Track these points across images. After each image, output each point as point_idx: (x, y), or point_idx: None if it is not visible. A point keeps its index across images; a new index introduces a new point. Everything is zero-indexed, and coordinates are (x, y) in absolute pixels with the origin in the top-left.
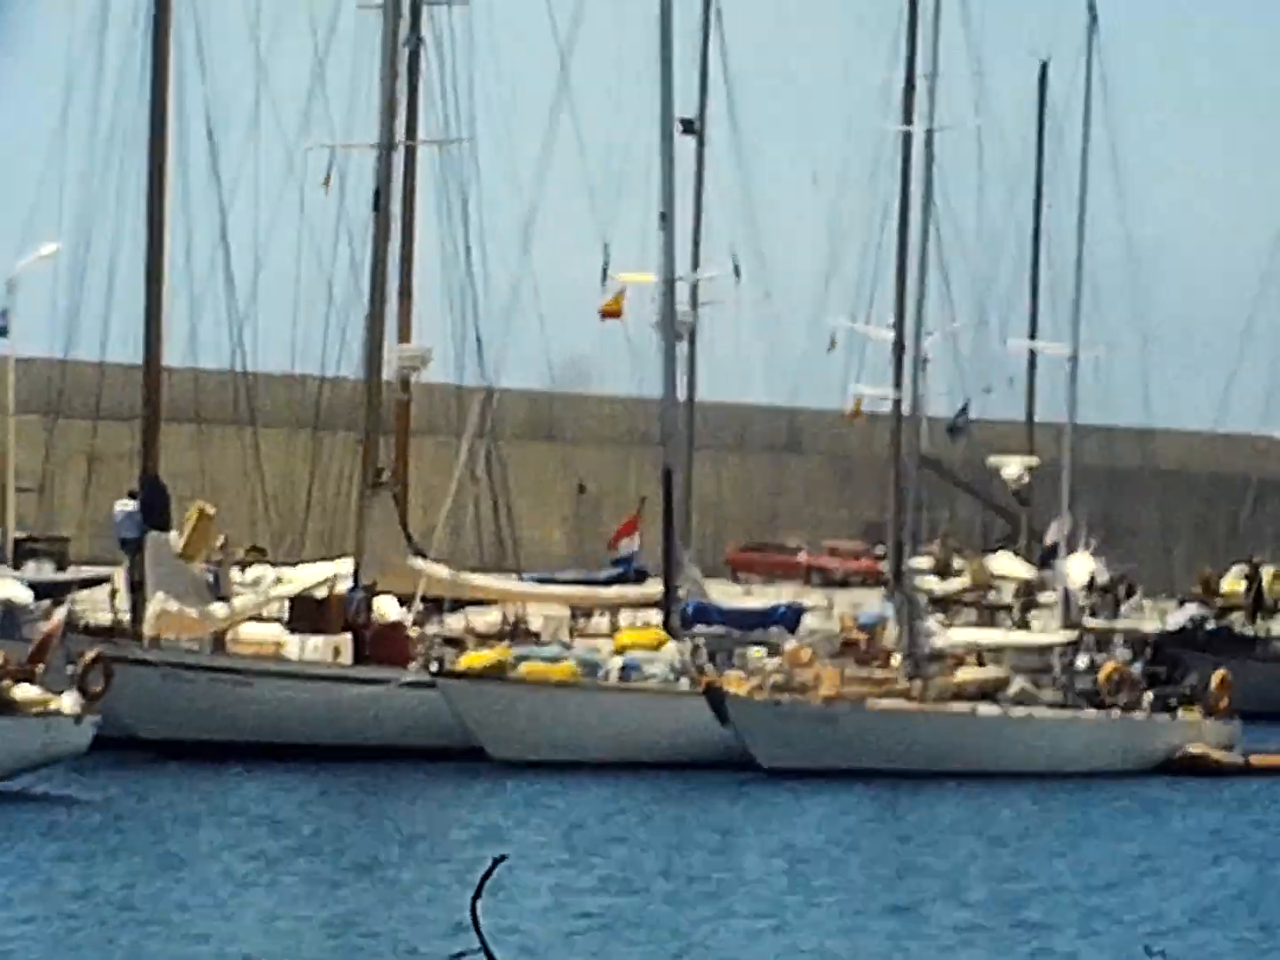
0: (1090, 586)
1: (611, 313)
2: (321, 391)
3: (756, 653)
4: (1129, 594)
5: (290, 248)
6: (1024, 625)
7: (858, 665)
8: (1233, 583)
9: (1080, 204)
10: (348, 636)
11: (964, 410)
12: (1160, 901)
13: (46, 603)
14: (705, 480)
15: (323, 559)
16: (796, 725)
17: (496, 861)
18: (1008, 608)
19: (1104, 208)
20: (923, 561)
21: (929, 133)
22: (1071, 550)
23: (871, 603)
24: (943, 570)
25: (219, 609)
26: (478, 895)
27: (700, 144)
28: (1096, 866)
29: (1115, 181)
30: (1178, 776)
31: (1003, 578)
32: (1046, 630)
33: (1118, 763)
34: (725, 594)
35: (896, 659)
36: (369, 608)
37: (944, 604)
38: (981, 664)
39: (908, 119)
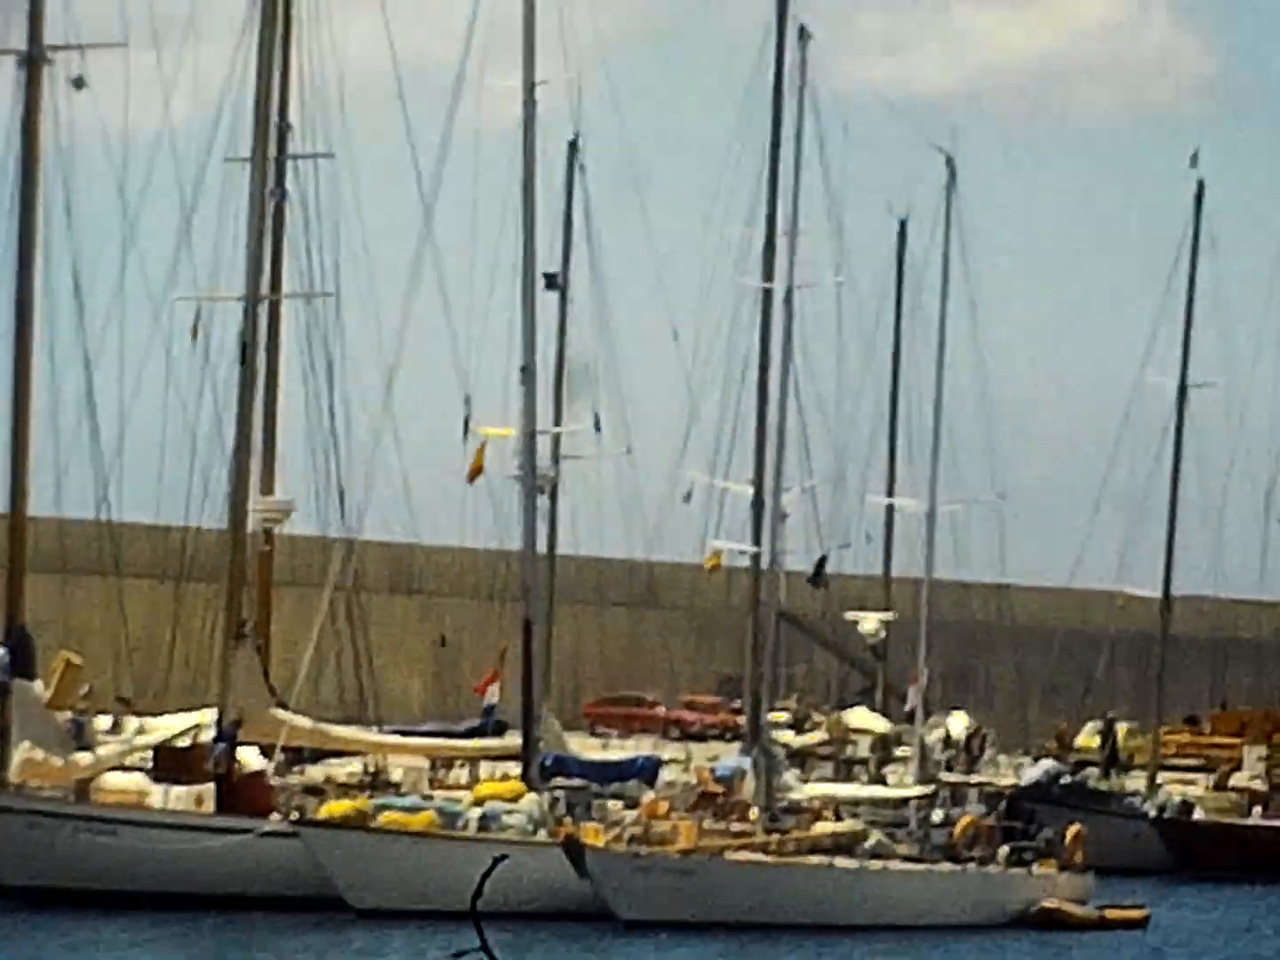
0: (946, 741)
1: (476, 470)
2: (185, 542)
3: (614, 805)
4: (983, 748)
5: (156, 400)
6: (880, 779)
7: (715, 818)
8: (1087, 738)
9: (938, 361)
10: (211, 786)
11: (823, 561)
12: None
13: None
14: (564, 633)
15: (186, 709)
16: (654, 877)
17: (497, 860)
18: (864, 761)
19: (961, 365)
20: (779, 715)
21: (789, 290)
22: (929, 706)
23: (728, 756)
24: (799, 724)
25: (84, 757)
26: (478, 895)
27: (563, 298)
28: None
29: (973, 338)
30: (1033, 930)
31: (859, 731)
32: (902, 784)
33: (973, 916)
34: (583, 746)
35: (754, 812)
36: (232, 757)
37: (800, 757)
38: (838, 818)
39: (768, 275)
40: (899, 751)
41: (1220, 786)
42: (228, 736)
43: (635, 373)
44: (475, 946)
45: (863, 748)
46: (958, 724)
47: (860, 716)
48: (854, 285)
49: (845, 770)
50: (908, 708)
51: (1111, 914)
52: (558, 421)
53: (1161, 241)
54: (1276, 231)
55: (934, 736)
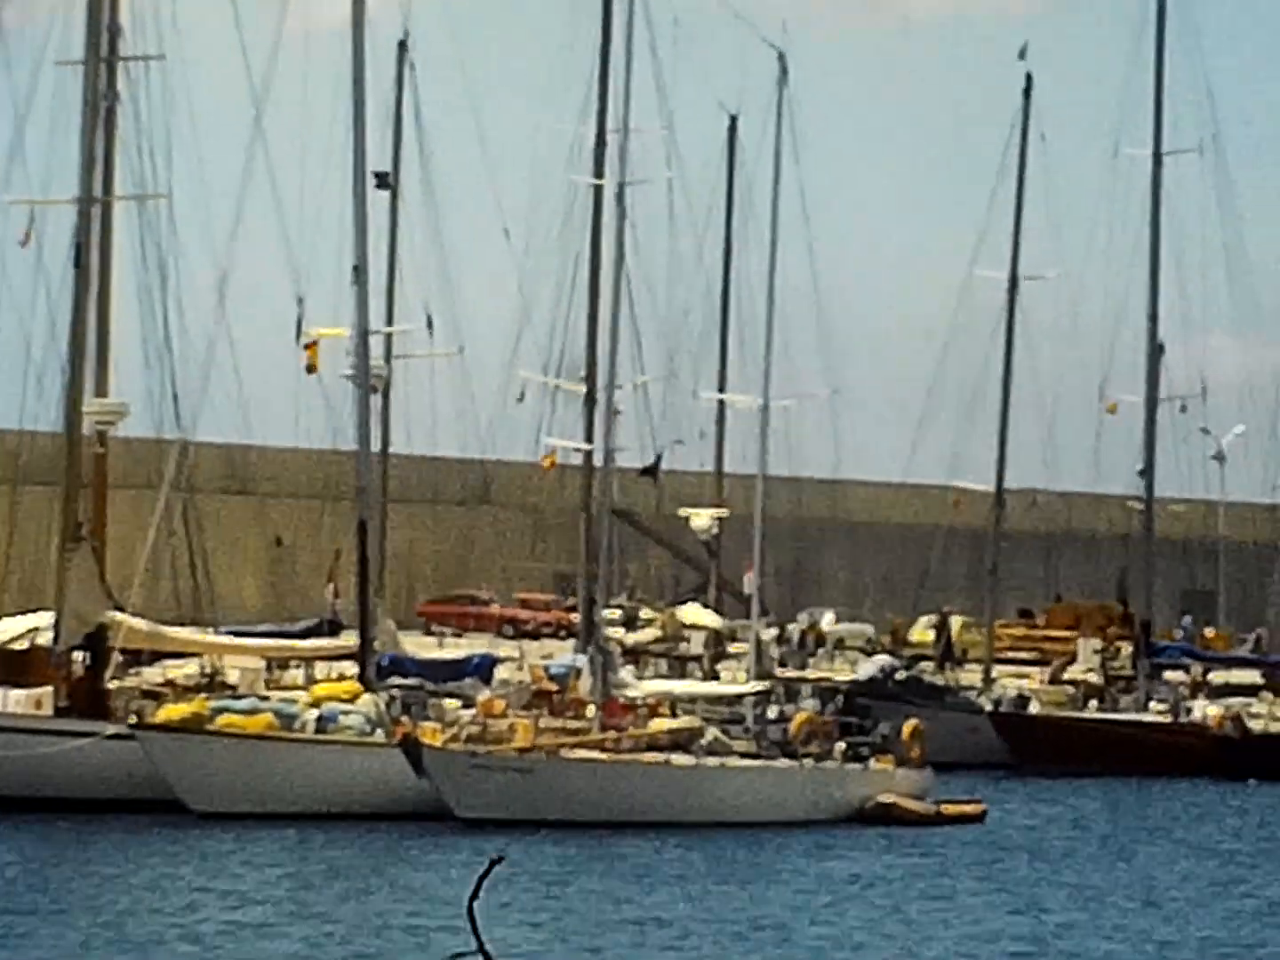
0: (780, 637)
1: (311, 366)
2: (20, 446)
3: (451, 704)
4: (818, 644)
5: None
6: (713, 675)
7: (552, 716)
8: (922, 633)
9: (770, 258)
10: (49, 689)
11: (658, 458)
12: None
13: None
14: (398, 533)
15: (22, 612)
16: (492, 776)
17: (494, 862)
18: (697, 658)
19: (794, 261)
20: (612, 613)
21: (621, 187)
22: (765, 605)
23: (562, 654)
24: (631, 621)
25: None
26: (474, 896)
27: (394, 198)
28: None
29: (805, 235)
30: (870, 826)
31: (692, 628)
32: (737, 681)
33: (810, 812)
34: (418, 646)
35: (590, 710)
36: (69, 660)
37: (634, 655)
38: (674, 715)
39: (599, 172)
40: (732, 648)
41: (1055, 680)
42: (80, 643)
43: (467, 272)
44: (473, 949)
45: (696, 644)
46: (828, 618)
47: (693, 613)
48: (686, 182)
49: (679, 667)
50: (747, 591)
51: (948, 809)
52: (390, 321)
53: (991, 135)
54: (1106, 124)
55: (769, 632)
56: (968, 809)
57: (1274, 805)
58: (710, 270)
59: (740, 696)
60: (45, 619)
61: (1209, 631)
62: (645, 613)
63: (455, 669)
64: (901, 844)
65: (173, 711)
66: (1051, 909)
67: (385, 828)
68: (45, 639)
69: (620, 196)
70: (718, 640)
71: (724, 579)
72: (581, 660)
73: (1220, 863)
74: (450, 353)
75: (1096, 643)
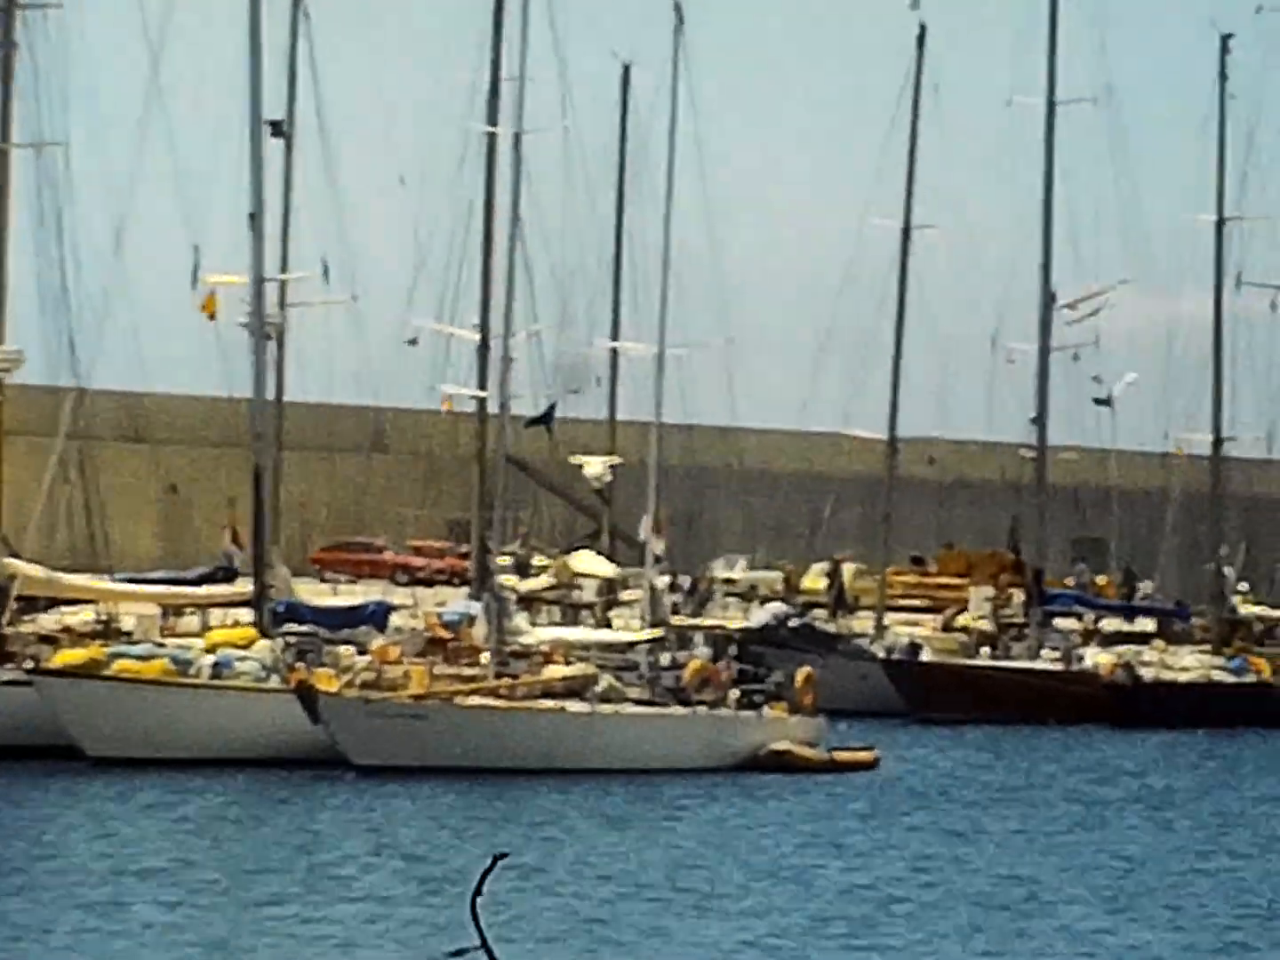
0: (673, 585)
1: (209, 312)
2: None
3: (346, 651)
4: (711, 592)
5: None
6: (606, 623)
7: (447, 663)
8: (814, 580)
9: (666, 205)
10: None
11: (553, 406)
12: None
13: None
14: (292, 480)
15: None
16: (387, 723)
17: (496, 859)
18: (590, 606)
19: (688, 209)
20: (504, 560)
21: (517, 135)
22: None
23: (455, 601)
24: (523, 568)
25: None
26: (477, 893)
27: (288, 146)
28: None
29: (700, 183)
30: (763, 773)
31: (584, 576)
32: (629, 628)
33: (704, 759)
34: (312, 593)
35: (485, 657)
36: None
37: (526, 602)
38: (568, 662)
39: (493, 120)
40: (624, 595)
41: (947, 628)
42: None
43: (363, 219)
44: (475, 945)
45: (588, 592)
46: (739, 565)
47: (586, 561)
48: (580, 131)
49: (571, 615)
50: (642, 538)
51: (841, 756)
52: (285, 268)
53: (886, 85)
54: (1000, 74)
55: (663, 580)
56: (860, 756)
57: (1159, 754)
58: (604, 219)
59: (634, 644)
60: None
61: (1100, 579)
62: (538, 560)
63: (351, 616)
64: (792, 791)
65: (69, 657)
66: (931, 854)
67: (280, 773)
68: None
69: (517, 144)
70: (610, 588)
71: (617, 527)
72: (475, 607)
73: (1089, 809)
74: (345, 300)
75: (988, 590)
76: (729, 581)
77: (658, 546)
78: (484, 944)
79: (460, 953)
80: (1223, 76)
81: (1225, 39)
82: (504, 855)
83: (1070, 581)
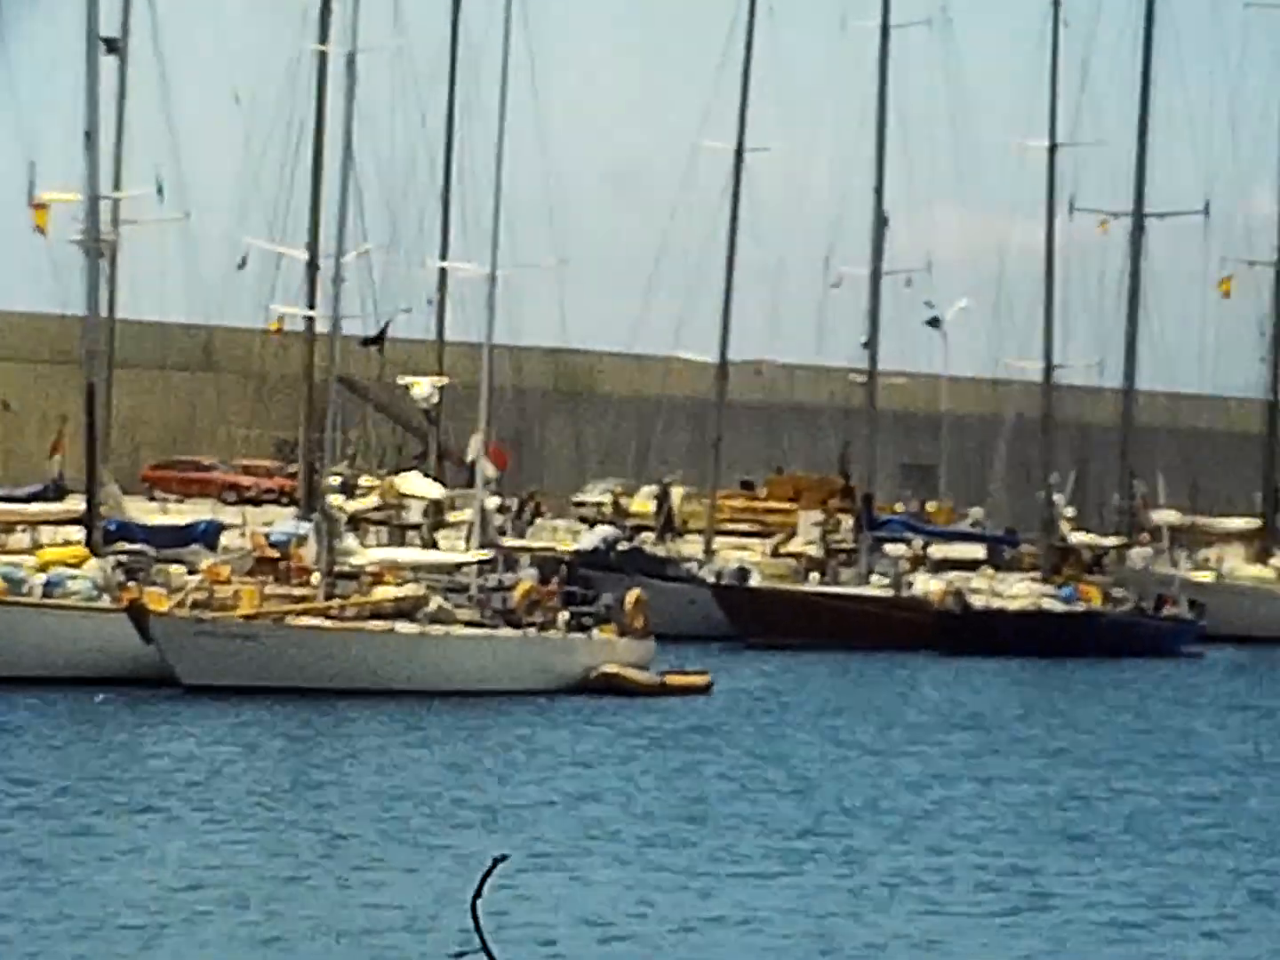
0: (502, 507)
1: (39, 225)
2: None
3: (177, 570)
4: (537, 513)
5: None
6: (433, 544)
7: (277, 583)
8: (643, 503)
9: (499, 126)
10: None
11: (386, 326)
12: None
13: None
14: (123, 398)
15: None
16: (217, 642)
17: (497, 861)
18: (417, 527)
19: (521, 129)
20: (332, 480)
21: (351, 55)
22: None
23: (283, 520)
24: (349, 489)
25: None
26: (478, 895)
27: (122, 64)
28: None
29: (533, 104)
30: (594, 695)
31: (411, 497)
32: (455, 549)
33: (535, 681)
34: (142, 511)
35: (315, 577)
36: None
37: (353, 522)
38: (398, 582)
39: (324, 39)
40: (451, 517)
41: (777, 553)
42: None
43: (197, 138)
44: (475, 947)
45: (415, 513)
46: (596, 490)
47: (413, 482)
48: (411, 50)
49: (398, 536)
50: (470, 458)
51: (673, 680)
52: (117, 186)
53: (720, 6)
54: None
55: (493, 501)
56: (694, 680)
57: (984, 680)
58: (435, 138)
59: (463, 565)
60: None
61: (930, 506)
62: (364, 480)
63: (182, 535)
64: (622, 713)
65: None
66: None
67: (111, 692)
68: None
69: (351, 64)
70: (437, 509)
71: (445, 448)
72: (303, 527)
73: (904, 731)
74: (178, 219)
75: (817, 515)
76: (600, 505)
77: (489, 470)
78: (484, 947)
79: (461, 955)
80: (1056, 3)
81: None
82: (504, 858)
83: (900, 507)
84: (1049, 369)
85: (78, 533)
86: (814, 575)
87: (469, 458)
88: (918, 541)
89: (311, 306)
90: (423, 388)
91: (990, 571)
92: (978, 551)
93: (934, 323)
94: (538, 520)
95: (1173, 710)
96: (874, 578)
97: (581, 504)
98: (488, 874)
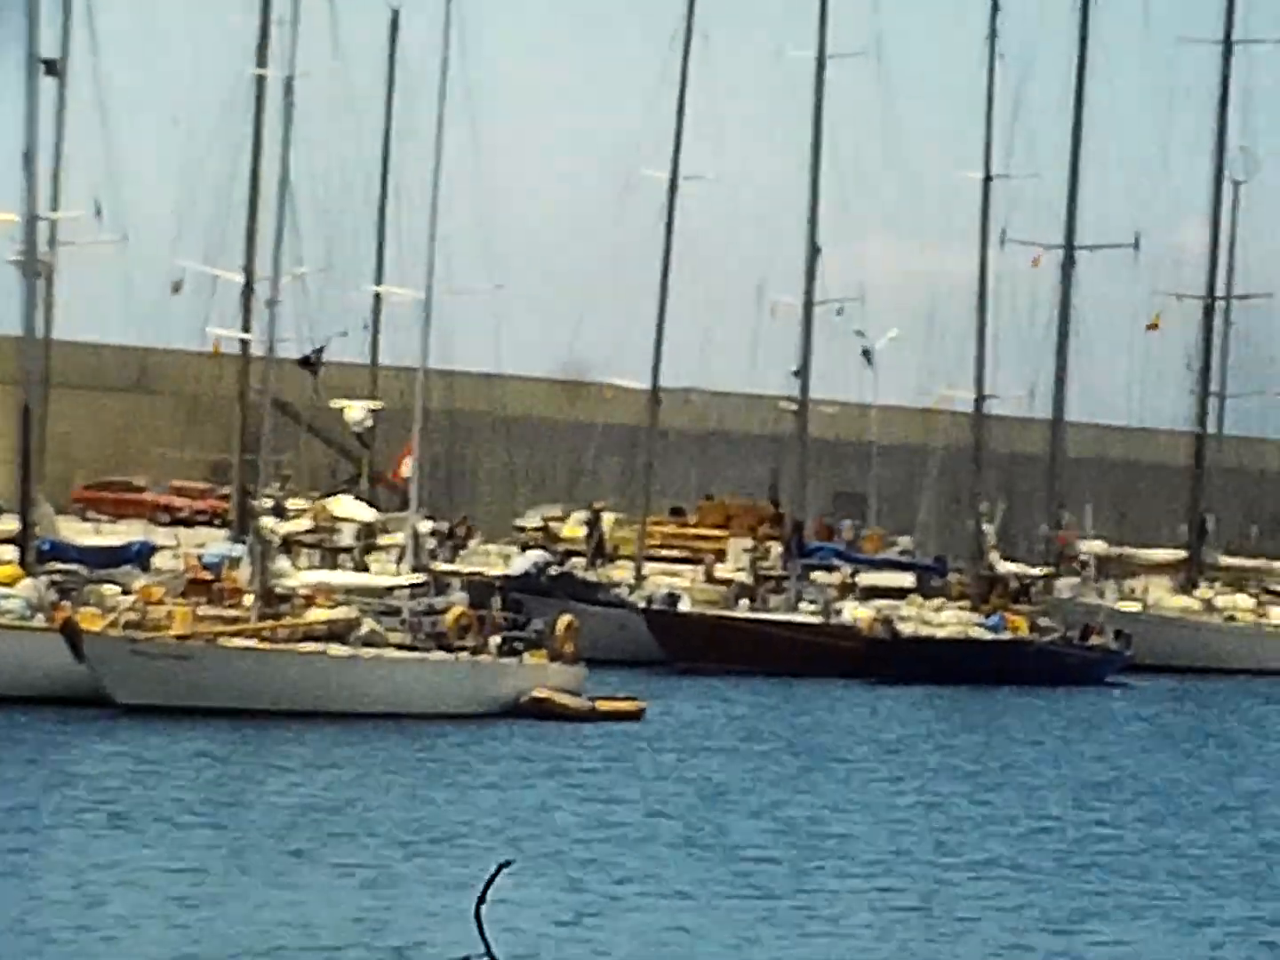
0: (433, 531)
1: None
2: None
3: (110, 590)
4: (468, 538)
5: None
6: (364, 567)
7: (211, 604)
8: (573, 528)
9: (436, 151)
10: None
11: (320, 349)
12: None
13: None
14: (57, 418)
15: None
16: (150, 663)
17: (501, 866)
18: (349, 550)
19: (458, 154)
20: (264, 502)
21: (289, 79)
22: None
23: (215, 542)
24: (280, 511)
25: None
26: (482, 900)
27: (61, 85)
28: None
29: (470, 130)
30: (524, 720)
31: (343, 520)
32: (386, 572)
33: (465, 705)
34: (74, 531)
35: (249, 599)
36: None
37: (286, 545)
38: (331, 605)
39: (263, 63)
40: (383, 540)
41: (709, 578)
42: None
43: (134, 159)
44: (480, 953)
45: (347, 536)
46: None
47: (346, 505)
48: (348, 75)
49: (330, 559)
50: (405, 475)
51: (604, 705)
52: (55, 207)
53: (658, 34)
54: (769, 25)
55: (425, 525)
56: (625, 705)
57: (909, 707)
58: (371, 163)
59: (394, 588)
60: None
61: (865, 533)
62: (294, 503)
63: (116, 555)
64: (547, 739)
65: None
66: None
67: (43, 712)
68: None
69: (289, 89)
70: (369, 532)
71: (377, 471)
72: (236, 549)
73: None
74: (115, 240)
75: (747, 541)
76: (543, 530)
77: (410, 469)
78: (488, 951)
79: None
80: (992, 34)
81: None
82: (509, 863)
83: (848, 531)
84: (980, 399)
85: (11, 552)
86: (744, 601)
87: (404, 475)
88: (846, 569)
89: (246, 329)
90: (356, 411)
91: (919, 599)
92: (906, 580)
93: (866, 355)
94: (469, 544)
95: (1089, 736)
96: (803, 605)
97: (522, 529)
98: (491, 879)
